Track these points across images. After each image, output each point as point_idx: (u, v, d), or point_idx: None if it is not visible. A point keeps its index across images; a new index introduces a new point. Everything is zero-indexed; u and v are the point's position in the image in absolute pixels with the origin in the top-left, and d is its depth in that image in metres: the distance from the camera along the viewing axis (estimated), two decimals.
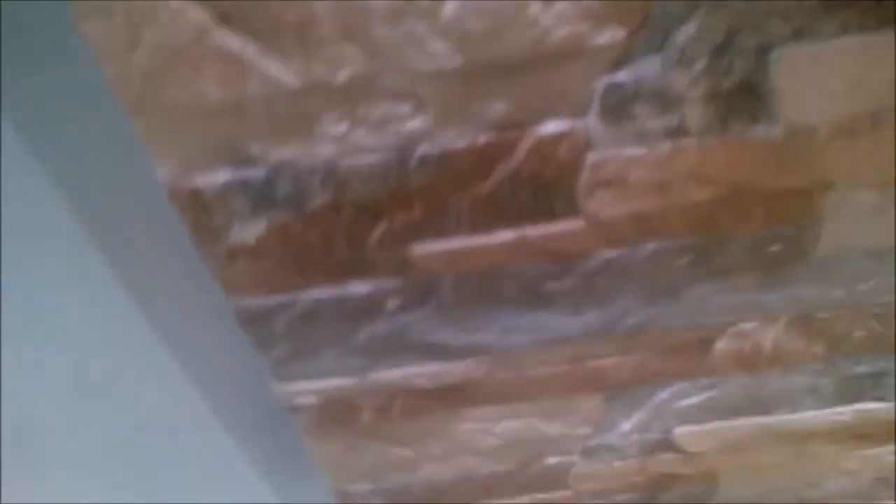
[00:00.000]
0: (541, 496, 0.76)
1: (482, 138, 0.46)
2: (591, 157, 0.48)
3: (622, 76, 0.44)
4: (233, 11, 0.39)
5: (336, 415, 0.65)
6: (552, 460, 0.72)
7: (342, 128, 0.45)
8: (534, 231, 0.52)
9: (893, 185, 0.53)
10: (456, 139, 0.46)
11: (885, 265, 0.59)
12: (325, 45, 0.41)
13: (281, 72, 0.42)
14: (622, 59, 0.44)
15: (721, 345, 0.63)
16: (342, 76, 0.42)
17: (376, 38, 0.41)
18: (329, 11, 0.40)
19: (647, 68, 0.44)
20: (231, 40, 0.40)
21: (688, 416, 0.70)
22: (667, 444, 0.73)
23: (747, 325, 0.62)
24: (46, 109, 0.45)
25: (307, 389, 0.62)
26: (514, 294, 0.56)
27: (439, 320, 0.57)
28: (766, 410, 0.71)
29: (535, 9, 0.41)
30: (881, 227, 0.56)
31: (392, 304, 0.55)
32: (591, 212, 0.51)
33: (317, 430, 0.67)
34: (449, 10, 0.41)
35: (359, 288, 0.54)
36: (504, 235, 0.52)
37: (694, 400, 0.69)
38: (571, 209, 0.51)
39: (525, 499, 0.76)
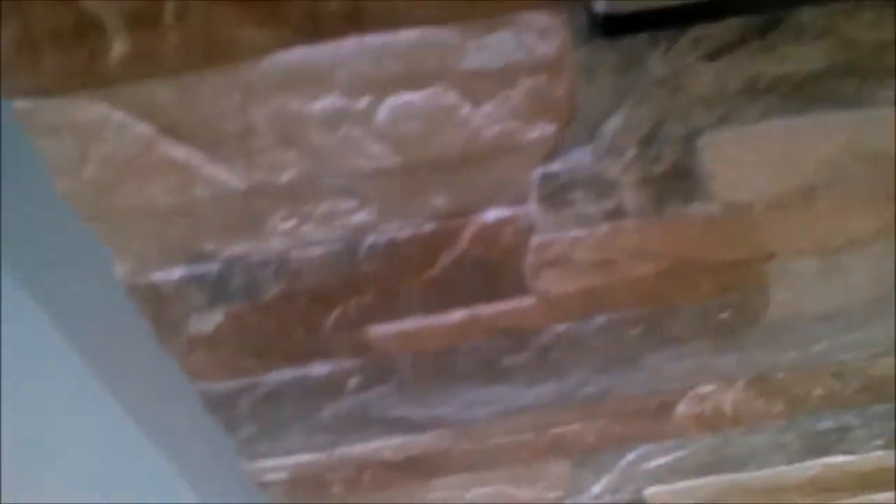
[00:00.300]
0: None
1: (426, 228, 0.48)
2: (535, 240, 0.50)
3: (556, 166, 0.46)
4: (177, 123, 0.41)
5: (306, 489, 0.66)
6: None
7: (290, 224, 0.46)
8: (485, 310, 0.53)
9: (833, 253, 0.54)
10: (401, 230, 0.48)
11: (836, 327, 0.60)
12: (266, 151, 0.43)
13: (226, 177, 0.44)
14: (554, 151, 0.46)
15: (682, 408, 0.65)
16: (285, 178, 0.44)
17: (315, 143, 0.43)
18: (267, 120, 0.42)
19: (580, 158, 0.46)
20: (176, 150, 0.42)
21: (657, 477, 0.71)
22: None
23: (706, 389, 0.63)
24: (14, 219, 0.47)
25: (276, 466, 0.63)
26: (471, 369, 0.57)
27: (400, 397, 0.58)
28: (735, 468, 0.72)
29: (465, 110, 0.43)
30: (827, 292, 0.57)
31: (353, 382, 0.56)
32: (540, 290, 0.52)
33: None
34: (383, 114, 0.43)
35: (319, 369, 0.55)
36: (456, 315, 0.53)
37: (662, 460, 0.70)
38: (520, 288, 0.52)
39: None
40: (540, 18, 0.41)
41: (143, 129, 0.41)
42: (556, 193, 0.48)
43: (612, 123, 0.45)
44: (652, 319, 0.57)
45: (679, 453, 0.70)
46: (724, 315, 0.57)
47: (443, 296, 0.52)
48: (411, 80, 0.42)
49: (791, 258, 0.54)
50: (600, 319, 0.55)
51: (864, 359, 0.63)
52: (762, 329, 0.59)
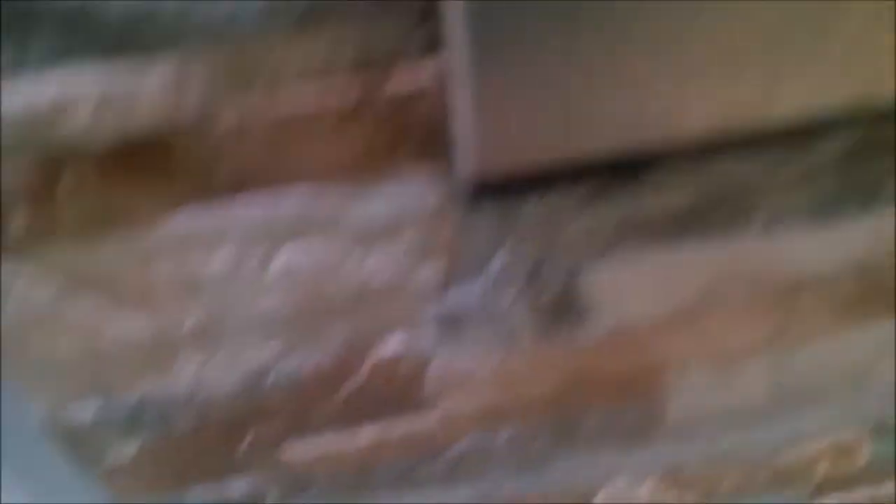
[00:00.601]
0: None
1: (326, 363, 0.50)
2: (434, 366, 0.52)
3: (448, 301, 0.49)
4: (81, 280, 0.44)
5: None
6: None
7: (195, 365, 0.49)
8: (394, 428, 0.56)
9: (724, 362, 0.57)
10: (302, 365, 0.50)
11: (741, 422, 0.63)
12: (168, 302, 0.46)
13: (131, 326, 0.46)
14: (444, 288, 0.49)
15: (599, 501, 0.67)
16: (188, 324, 0.47)
17: (214, 292, 0.46)
18: (168, 274, 0.44)
19: (470, 292, 0.49)
20: (82, 304, 0.45)
21: None
22: None
23: (619, 484, 0.66)
24: None
25: None
26: (386, 480, 0.59)
27: None
28: None
29: (355, 258, 0.46)
30: (724, 395, 0.60)
31: (271, 496, 0.58)
32: (444, 409, 0.55)
33: None
34: (277, 263, 0.45)
35: (237, 486, 0.57)
36: (366, 433, 0.56)
37: None
38: (424, 407, 0.55)
39: None
40: (421, 173, 0.44)
41: (49, 286, 0.44)
42: (450, 324, 0.50)
43: (497, 261, 0.48)
44: (556, 428, 0.59)
45: None
46: (628, 419, 0.60)
47: (350, 417, 0.54)
48: (302, 232, 0.45)
49: (684, 368, 0.57)
50: (506, 431, 0.58)
51: (769, 452, 0.66)
52: (667, 429, 0.62)
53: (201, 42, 0.37)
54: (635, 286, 0.51)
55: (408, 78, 0.40)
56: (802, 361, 0.60)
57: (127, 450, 0.53)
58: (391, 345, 0.51)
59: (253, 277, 0.46)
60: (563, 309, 0.51)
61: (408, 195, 0.44)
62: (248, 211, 0.43)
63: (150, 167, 0.40)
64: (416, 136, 0.43)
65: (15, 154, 0.39)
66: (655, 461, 0.64)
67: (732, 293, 0.53)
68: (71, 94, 0.37)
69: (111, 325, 0.46)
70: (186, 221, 0.43)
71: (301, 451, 0.56)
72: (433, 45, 0.39)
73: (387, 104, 0.41)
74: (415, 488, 0.60)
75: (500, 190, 0.45)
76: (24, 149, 0.39)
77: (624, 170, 0.46)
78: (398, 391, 0.53)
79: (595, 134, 0.42)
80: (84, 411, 0.50)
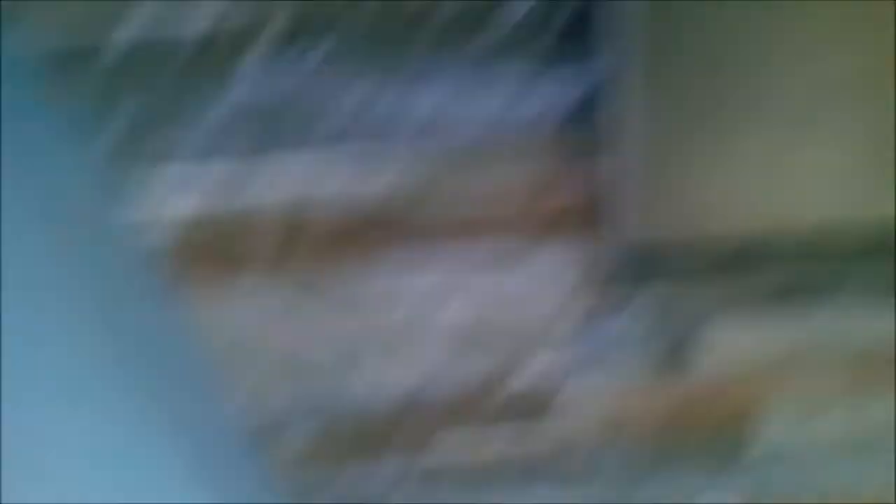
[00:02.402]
0: None
1: (480, 375, 0.62)
2: (567, 386, 0.64)
3: (586, 335, 0.61)
4: (306, 291, 0.56)
5: None
6: None
7: (376, 367, 0.61)
8: (527, 433, 0.67)
9: (808, 408, 0.67)
10: (459, 378, 0.62)
11: (821, 460, 0.72)
12: (363, 314, 0.57)
13: (329, 329, 0.58)
14: (584, 324, 0.60)
15: None
16: (374, 334, 0.59)
17: (405, 309, 0.57)
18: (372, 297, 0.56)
19: (604, 330, 0.60)
20: (298, 308, 0.57)
21: None
22: None
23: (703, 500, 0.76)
24: None
25: None
26: (512, 477, 0.70)
27: None
28: None
29: (516, 299, 0.57)
30: (807, 434, 0.70)
31: (410, 488, 0.70)
32: (569, 421, 0.66)
33: None
34: (452, 299, 0.57)
35: (382, 478, 0.69)
36: (502, 435, 0.67)
37: None
38: (554, 419, 0.66)
39: None
40: (577, 234, 0.55)
41: (282, 295, 0.56)
42: (585, 354, 0.62)
43: (630, 307, 0.59)
44: (657, 450, 0.70)
45: None
46: (718, 449, 0.70)
47: (492, 420, 0.66)
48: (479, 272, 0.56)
49: (772, 411, 0.67)
50: (616, 448, 0.69)
51: (845, 488, 0.75)
52: (751, 461, 0.72)
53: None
54: (739, 342, 0.62)
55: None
56: (878, 411, 0.69)
57: (297, 442, 0.65)
58: (536, 366, 0.62)
59: (433, 304, 0.58)
60: (676, 353, 0.62)
61: (563, 250, 0.56)
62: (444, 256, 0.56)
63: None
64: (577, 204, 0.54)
65: None
66: (739, 487, 0.74)
67: (818, 352, 0.63)
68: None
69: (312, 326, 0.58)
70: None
71: (446, 448, 0.67)
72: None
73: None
74: (533, 486, 0.72)
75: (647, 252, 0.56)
76: None
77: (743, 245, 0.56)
78: (535, 403, 0.64)
79: (733, 211, 0.53)
80: (274, 403, 0.62)
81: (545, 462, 0.70)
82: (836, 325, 0.61)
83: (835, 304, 0.59)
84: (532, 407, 0.65)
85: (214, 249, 0.55)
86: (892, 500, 0.88)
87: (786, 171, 0.51)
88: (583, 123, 0.52)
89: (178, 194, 0.52)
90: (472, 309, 0.58)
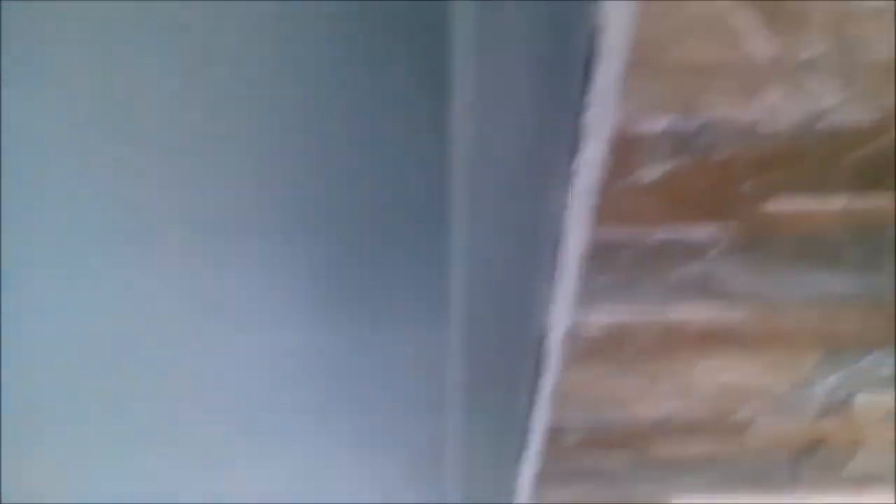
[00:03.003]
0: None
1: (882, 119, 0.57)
2: None
3: None
4: None
5: (604, 347, 0.76)
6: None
7: (772, 100, 0.55)
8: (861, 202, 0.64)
9: None
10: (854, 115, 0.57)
11: None
12: (805, 29, 0.51)
13: (759, 47, 0.52)
14: None
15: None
16: (804, 55, 0.53)
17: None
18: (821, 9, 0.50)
19: None
20: (737, 13, 0.50)
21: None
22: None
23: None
24: None
25: (594, 322, 0.73)
26: (817, 255, 0.68)
27: (744, 268, 0.69)
28: None
29: None
30: None
31: (716, 250, 0.67)
32: None
33: (578, 359, 0.77)
34: None
35: (700, 232, 0.66)
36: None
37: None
38: None
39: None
40: None
41: None
42: None
43: None
44: None
45: None
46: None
47: (867, 179, 0.62)
48: None
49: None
50: None
51: None
52: None
53: None
54: None
55: None
56: None
57: (654, 172, 0.60)
58: None
59: None
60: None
61: None
62: None
63: None
64: None
65: None
66: None
67: None
68: None
69: (742, 42, 0.51)
70: None
71: (786, 209, 0.63)
72: None
73: None
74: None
75: None
76: None
77: None
78: None
79: None
80: (654, 124, 0.57)
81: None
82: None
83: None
84: None
85: None
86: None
87: None
88: None
89: None
90: None
